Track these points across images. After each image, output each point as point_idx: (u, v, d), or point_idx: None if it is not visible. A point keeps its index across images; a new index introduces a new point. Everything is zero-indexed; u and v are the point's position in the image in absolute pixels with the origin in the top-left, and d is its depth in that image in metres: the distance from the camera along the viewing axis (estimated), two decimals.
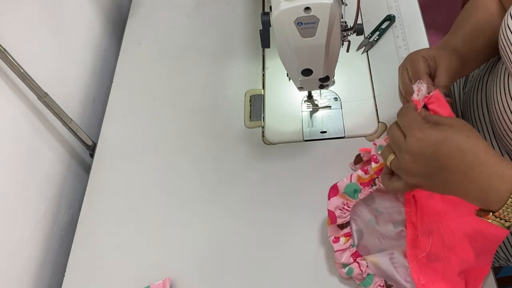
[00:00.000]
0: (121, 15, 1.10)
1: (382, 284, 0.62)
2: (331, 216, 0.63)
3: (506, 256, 0.84)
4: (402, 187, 0.55)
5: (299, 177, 0.74)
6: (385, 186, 0.58)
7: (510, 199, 0.49)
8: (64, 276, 0.71)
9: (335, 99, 0.83)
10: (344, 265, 0.63)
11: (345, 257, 0.63)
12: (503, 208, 0.49)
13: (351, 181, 0.62)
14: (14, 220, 0.71)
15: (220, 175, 0.77)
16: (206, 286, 0.68)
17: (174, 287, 0.67)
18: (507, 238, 0.81)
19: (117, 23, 1.08)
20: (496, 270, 1.18)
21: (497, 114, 0.71)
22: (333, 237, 0.64)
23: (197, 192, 0.76)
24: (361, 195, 0.62)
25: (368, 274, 0.62)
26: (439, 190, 0.54)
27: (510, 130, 0.69)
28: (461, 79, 0.94)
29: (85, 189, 0.79)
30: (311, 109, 0.83)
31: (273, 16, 0.60)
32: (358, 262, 0.62)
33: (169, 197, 0.76)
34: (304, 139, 0.79)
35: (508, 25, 0.61)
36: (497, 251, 0.83)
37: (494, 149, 0.53)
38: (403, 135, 0.53)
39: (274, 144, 0.80)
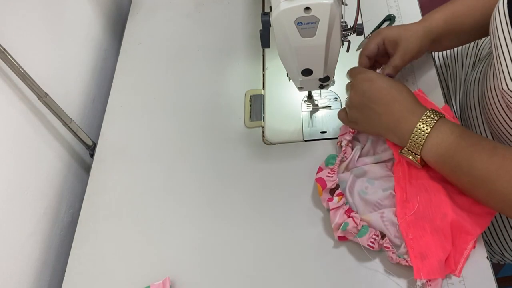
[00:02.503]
0: (121, 15, 1.10)
1: (377, 234, 0.63)
2: (320, 182, 0.68)
3: (501, 251, 0.84)
4: (344, 116, 0.72)
5: (299, 177, 0.74)
6: (338, 116, 0.74)
7: (415, 128, 0.61)
8: (64, 276, 0.71)
9: (335, 99, 0.83)
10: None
11: (339, 216, 0.65)
12: (411, 138, 0.62)
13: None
14: (14, 220, 0.71)
15: (220, 175, 0.77)
16: (206, 286, 0.68)
17: (174, 287, 0.67)
18: (501, 232, 0.81)
19: (117, 23, 1.08)
20: (496, 270, 1.18)
21: (492, 115, 0.71)
22: (327, 198, 0.67)
23: (197, 192, 0.76)
24: (338, 156, 0.71)
25: (362, 226, 0.64)
26: (368, 124, 0.68)
27: (509, 134, 0.69)
28: (456, 82, 0.95)
29: (85, 189, 0.79)
30: (311, 109, 0.83)
31: (273, 16, 0.60)
32: (352, 217, 0.64)
33: (169, 197, 0.76)
34: (304, 139, 0.79)
35: (498, 6, 0.62)
36: (491, 245, 0.84)
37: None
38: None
39: (274, 144, 0.80)
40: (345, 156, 0.71)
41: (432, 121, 0.62)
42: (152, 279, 0.68)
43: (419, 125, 0.62)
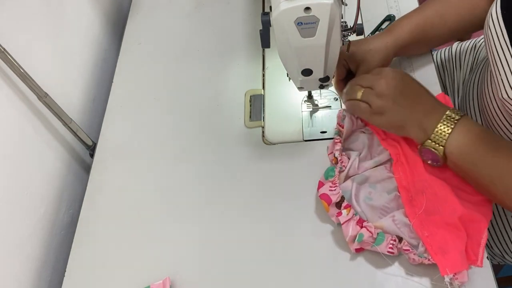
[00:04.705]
0: (121, 15, 1.10)
1: (394, 238, 0.63)
2: (325, 198, 0.67)
3: (501, 253, 0.84)
4: (366, 107, 0.68)
5: (299, 177, 0.74)
6: (355, 109, 0.70)
7: (445, 115, 0.62)
8: (64, 276, 0.71)
9: (335, 99, 0.83)
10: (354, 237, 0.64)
11: (352, 227, 0.64)
12: (438, 127, 0.61)
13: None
14: (14, 220, 0.71)
15: (220, 175, 0.77)
16: (206, 286, 0.68)
17: (174, 287, 0.67)
18: (502, 235, 0.81)
19: (117, 23, 1.08)
20: (496, 270, 1.18)
21: (491, 120, 0.71)
22: (336, 213, 0.66)
23: (197, 192, 0.76)
24: (336, 168, 0.69)
25: (378, 233, 0.63)
26: (395, 113, 0.66)
27: (509, 138, 0.69)
28: (454, 84, 0.95)
29: (85, 189, 0.79)
30: (311, 109, 0.83)
31: (273, 16, 0.60)
32: (365, 227, 0.64)
33: (169, 197, 0.76)
34: (304, 139, 0.79)
35: (491, 14, 0.62)
36: (492, 248, 0.84)
37: None
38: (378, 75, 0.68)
39: (274, 144, 0.80)
40: (343, 166, 0.70)
41: (460, 113, 0.62)
42: (152, 279, 0.68)
43: (449, 113, 0.62)
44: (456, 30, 0.75)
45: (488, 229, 0.81)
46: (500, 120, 0.68)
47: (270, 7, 0.62)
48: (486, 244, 0.81)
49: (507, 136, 0.69)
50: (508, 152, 0.59)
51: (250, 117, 0.83)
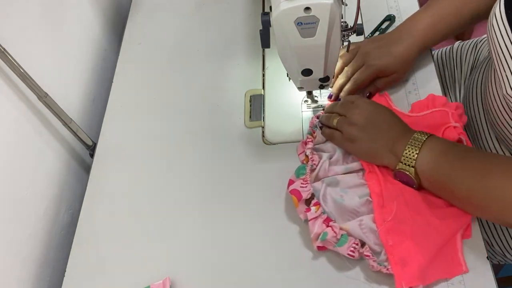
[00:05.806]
0: (121, 15, 1.10)
1: (357, 242, 0.63)
2: (295, 193, 0.67)
3: (502, 252, 0.83)
4: (339, 135, 0.71)
5: None
6: (328, 136, 0.73)
7: (411, 139, 0.64)
8: (64, 276, 0.71)
9: None
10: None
11: (318, 225, 0.64)
12: (406, 149, 0.64)
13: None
14: (14, 220, 0.71)
15: (220, 175, 0.77)
16: (206, 286, 0.68)
17: (174, 287, 0.67)
18: (503, 233, 0.81)
19: (117, 23, 1.08)
20: (496, 270, 1.18)
21: (495, 118, 0.71)
22: (304, 209, 0.66)
23: (197, 192, 0.76)
24: (308, 166, 0.70)
25: (342, 235, 0.63)
26: (367, 142, 0.68)
27: (509, 132, 0.69)
28: (455, 84, 0.95)
29: (85, 189, 0.79)
30: (311, 109, 0.83)
31: (273, 16, 0.60)
32: (330, 226, 0.64)
33: (169, 197, 0.77)
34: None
35: (495, 13, 0.62)
36: (493, 246, 0.84)
37: (498, 153, 0.75)
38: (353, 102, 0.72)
39: (274, 144, 0.80)
40: (314, 164, 0.70)
41: (427, 134, 0.65)
42: (152, 279, 0.68)
43: (416, 135, 0.65)
44: (470, 18, 0.76)
45: (489, 227, 0.81)
46: (504, 118, 0.68)
47: (270, 7, 0.62)
48: (487, 243, 0.81)
49: (511, 134, 0.69)
50: (479, 159, 0.61)
51: (250, 117, 0.83)
